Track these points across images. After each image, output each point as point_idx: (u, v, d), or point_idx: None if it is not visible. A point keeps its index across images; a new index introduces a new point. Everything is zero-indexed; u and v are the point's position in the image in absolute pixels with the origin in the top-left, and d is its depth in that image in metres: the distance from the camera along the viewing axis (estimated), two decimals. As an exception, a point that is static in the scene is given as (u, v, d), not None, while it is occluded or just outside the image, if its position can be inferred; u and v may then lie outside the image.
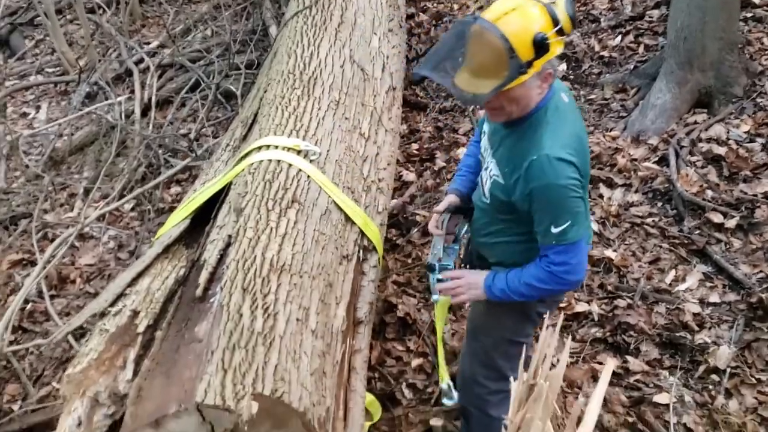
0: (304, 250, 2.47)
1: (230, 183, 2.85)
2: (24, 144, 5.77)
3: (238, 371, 1.97)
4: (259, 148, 2.85)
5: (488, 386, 2.57)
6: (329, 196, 2.76)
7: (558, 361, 1.42)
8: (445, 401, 2.78)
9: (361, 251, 2.83)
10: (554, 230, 2.03)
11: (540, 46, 1.87)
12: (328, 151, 2.95)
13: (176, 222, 2.86)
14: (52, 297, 4.11)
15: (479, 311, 2.57)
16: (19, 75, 7.07)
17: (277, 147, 2.83)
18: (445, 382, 2.77)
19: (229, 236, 2.45)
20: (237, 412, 1.88)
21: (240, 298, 2.19)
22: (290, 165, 2.73)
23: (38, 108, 6.41)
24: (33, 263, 4.36)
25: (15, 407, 3.47)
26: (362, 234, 2.86)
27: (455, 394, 2.76)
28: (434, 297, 2.52)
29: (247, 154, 2.88)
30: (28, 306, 4.09)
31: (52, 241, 4.25)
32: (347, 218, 2.81)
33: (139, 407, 2.02)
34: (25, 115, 6.41)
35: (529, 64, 1.89)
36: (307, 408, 2.02)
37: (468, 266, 2.60)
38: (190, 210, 2.86)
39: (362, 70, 3.51)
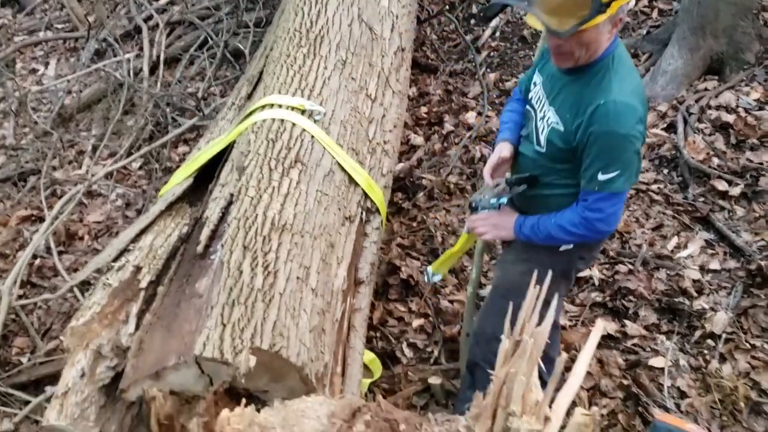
0: (306, 210, 2.49)
1: (234, 142, 2.86)
2: (33, 100, 5.79)
3: (236, 326, 2.01)
4: (263, 106, 2.85)
5: None
6: (333, 157, 2.76)
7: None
8: (432, 277, 2.93)
9: (364, 213, 2.85)
10: (601, 177, 2.02)
11: None
12: (333, 111, 2.94)
13: (180, 180, 2.89)
14: (60, 253, 4.16)
15: (517, 271, 2.45)
16: (28, 30, 7.05)
17: (281, 106, 2.83)
18: (436, 274, 2.90)
19: (231, 194, 2.48)
20: (235, 365, 1.92)
21: (240, 255, 2.22)
22: (294, 125, 2.74)
23: (47, 64, 6.40)
24: (42, 219, 4.41)
25: (23, 360, 3.54)
26: (366, 196, 2.87)
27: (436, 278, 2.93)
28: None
29: (251, 113, 2.89)
30: (37, 261, 4.14)
31: (61, 197, 4.29)
32: (351, 180, 2.82)
33: (140, 359, 2.08)
34: (34, 71, 6.41)
35: (608, 4, 1.85)
36: (305, 363, 2.07)
37: None
38: (193, 168, 2.88)
39: (370, 29, 3.48)
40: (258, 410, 1.58)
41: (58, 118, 5.49)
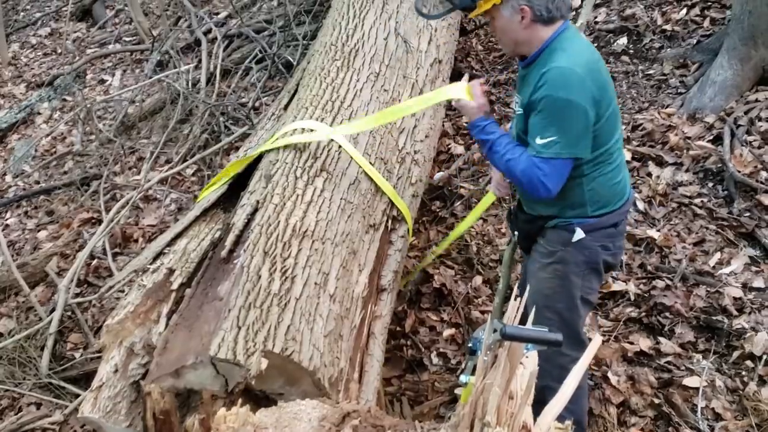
0: (328, 217, 2.57)
1: (267, 151, 2.96)
2: (100, 109, 6.12)
3: (251, 329, 2.09)
4: (295, 117, 2.95)
5: (570, 354, 2.36)
6: (360, 167, 2.83)
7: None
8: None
9: (389, 221, 2.90)
10: (539, 141, 2.10)
11: None
12: (363, 122, 3.02)
13: (216, 187, 3.01)
14: (115, 254, 4.38)
15: (544, 277, 2.46)
16: (99, 43, 7.45)
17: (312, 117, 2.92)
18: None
19: (257, 201, 2.57)
20: (246, 366, 2.00)
21: (260, 260, 2.31)
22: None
23: (114, 75, 6.74)
24: (101, 222, 4.64)
25: (77, 355, 3.74)
26: (392, 204, 2.92)
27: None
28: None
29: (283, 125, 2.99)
30: (94, 262, 4.36)
31: (119, 201, 4.52)
32: (377, 188, 2.88)
33: (163, 357, 2.18)
34: (102, 81, 6.77)
35: None
36: (317, 367, 2.13)
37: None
38: (228, 176, 3.00)
39: (405, 42, 3.54)
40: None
41: (121, 126, 5.79)
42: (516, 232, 2.61)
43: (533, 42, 2.19)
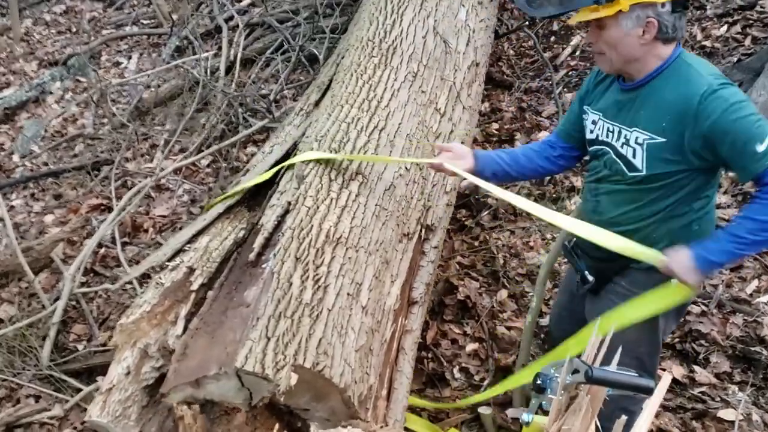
0: (363, 224, 2.42)
1: (296, 147, 2.82)
2: (113, 93, 5.96)
3: (281, 341, 1.95)
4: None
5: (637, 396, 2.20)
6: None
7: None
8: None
9: (423, 230, 2.76)
10: (760, 149, 1.83)
11: None
12: (400, 124, 2.87)
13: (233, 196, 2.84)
14: (124, 244, 4.22)
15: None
16: (115, 24, 7.29)
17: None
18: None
19: (289, 203, 2.42)
20: (275, 381, 1.86)
21: (292, 266, 2.16)
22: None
23: (130, 58, 6.58)
24: (110, 209, 4.49)
25: (80, 347, 3.59)
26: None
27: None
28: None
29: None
30: (102, 250, 4.21)
31: (130, 189, 4.37)
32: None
33: (183, 364, 2.04)
34: (117, 64, 6.60)
35: None
36: (348, 384, 1.99)
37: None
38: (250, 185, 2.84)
39: (445, 42, 3.39)
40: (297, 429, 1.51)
41: (135, 111, 5.62)
42: (585, 272, 2.31)
43: (648, 61, 1.98)
